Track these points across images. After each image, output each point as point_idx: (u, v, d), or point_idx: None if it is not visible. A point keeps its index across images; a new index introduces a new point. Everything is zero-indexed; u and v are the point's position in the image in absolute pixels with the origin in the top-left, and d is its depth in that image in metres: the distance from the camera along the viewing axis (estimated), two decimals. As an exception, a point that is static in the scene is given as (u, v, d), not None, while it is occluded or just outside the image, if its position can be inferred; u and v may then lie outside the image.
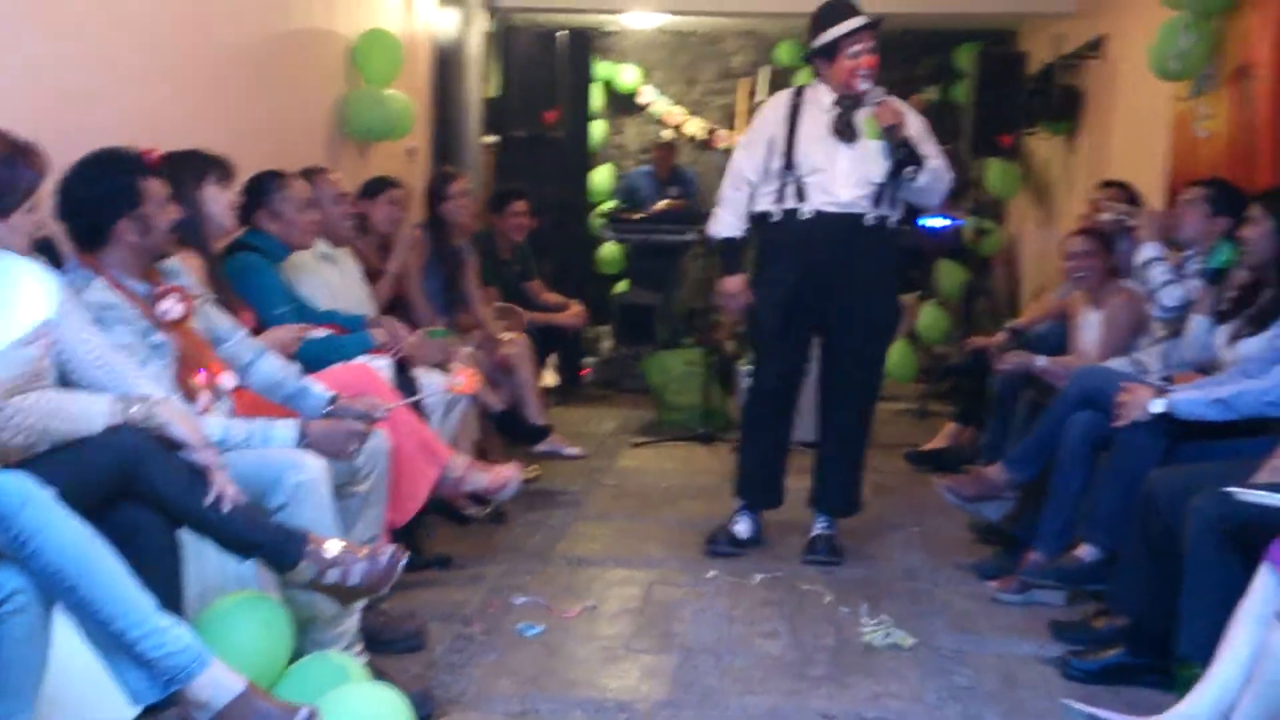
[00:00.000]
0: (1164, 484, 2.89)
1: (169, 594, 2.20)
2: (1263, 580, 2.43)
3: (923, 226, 6.94)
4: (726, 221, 3.96)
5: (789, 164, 3.83)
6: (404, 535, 3.35)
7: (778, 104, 3.97)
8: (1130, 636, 3.00)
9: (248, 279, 3.42)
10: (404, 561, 2.50)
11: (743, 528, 4.07)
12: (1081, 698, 2.84)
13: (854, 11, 3.81)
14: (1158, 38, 4.73)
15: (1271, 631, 2.28)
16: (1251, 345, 3.31)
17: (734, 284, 3.99)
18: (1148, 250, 3.89)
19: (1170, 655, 2.81)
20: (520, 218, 5.73)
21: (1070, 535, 3.48)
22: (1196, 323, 3.62)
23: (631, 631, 3.32)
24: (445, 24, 6.58)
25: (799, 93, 3.95)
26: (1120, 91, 6.14)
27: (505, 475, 3.58)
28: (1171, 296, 3.80)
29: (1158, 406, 3.17)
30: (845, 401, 4.01)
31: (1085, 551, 3.36)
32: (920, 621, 3.41)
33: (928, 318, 7.29)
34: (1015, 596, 3.57)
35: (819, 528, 4.04)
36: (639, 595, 3.61)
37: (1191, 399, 3.14)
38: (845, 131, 3.79)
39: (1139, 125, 5.73)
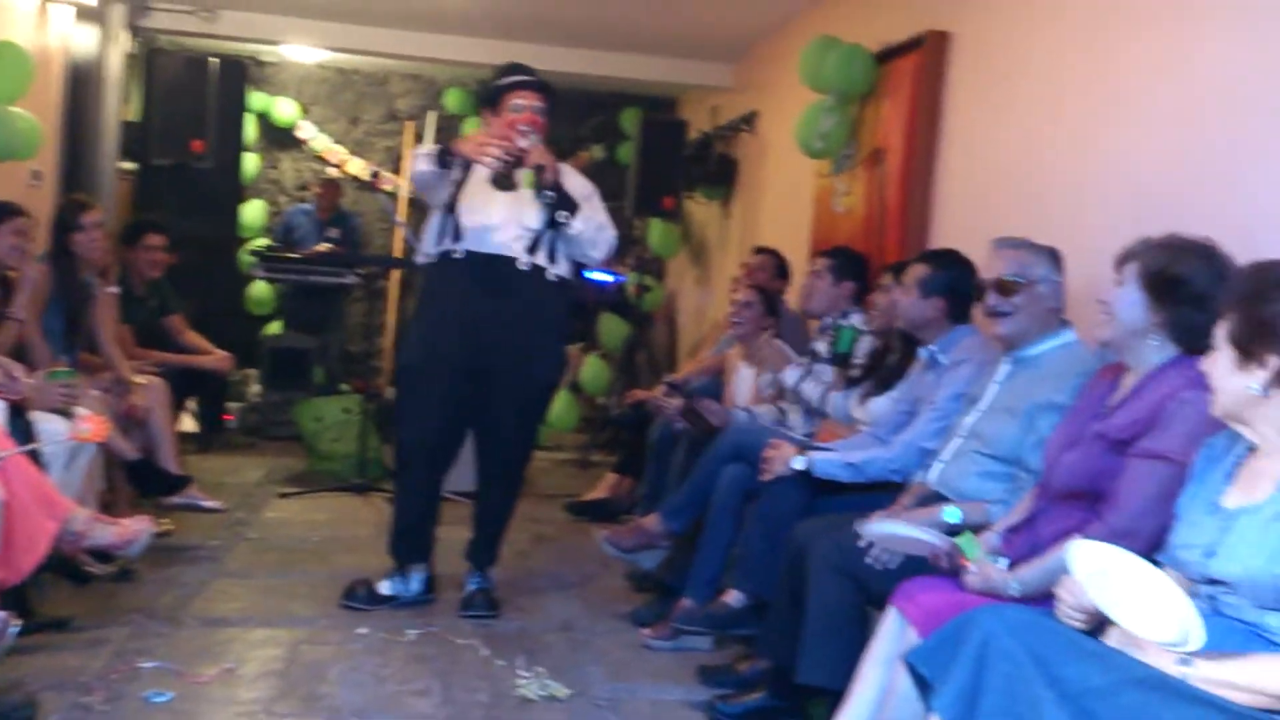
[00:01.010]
0: (805, 534, 3.03)
1: None
2: (889, 623, 2.58)
3: (587, 279, 7.07)
4: (425, 155, 3.82)
5: (451, 205, 3.83)
6: (14, 595, 3.02)
7: None
8: (772, 679, 3.12)
9: None
10: (15, 630, 2.23)
11: (388, 584, 3.93)
12: (728, 741, 2.95)
13: (528, 74, 3.89)
14: (803, 118, 5.07)
15: (896, 673, 2.41)
16: (879, 405, 3.61)
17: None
18: (788, 378, 4.13)
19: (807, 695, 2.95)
20: (155, 252, 5.39)
21: (720, 582, 3.59)
22: (833, 402, 3.93)
23: (273, 695, 3.11)
24: (83, 41, 6.11)
25: None
26: (770, 164, 6.54)
27: (133, 530, 3.32)
28: (814, 395, 4.04)
29: (799, 464, 3.36)
30: (498, 452, 3.98)
31: (733, 598, 3.48)
32: (576, 672, 3.41)
33: (590, 369, 7.42)
34: (666, 643, 3.65)
35: (475, 582, 3.97)
36: (283, 656, 3.40)
37: (829, 460, 3.35)
38: (502, 182, 3.78)
39: (786, 196, 6.11)
